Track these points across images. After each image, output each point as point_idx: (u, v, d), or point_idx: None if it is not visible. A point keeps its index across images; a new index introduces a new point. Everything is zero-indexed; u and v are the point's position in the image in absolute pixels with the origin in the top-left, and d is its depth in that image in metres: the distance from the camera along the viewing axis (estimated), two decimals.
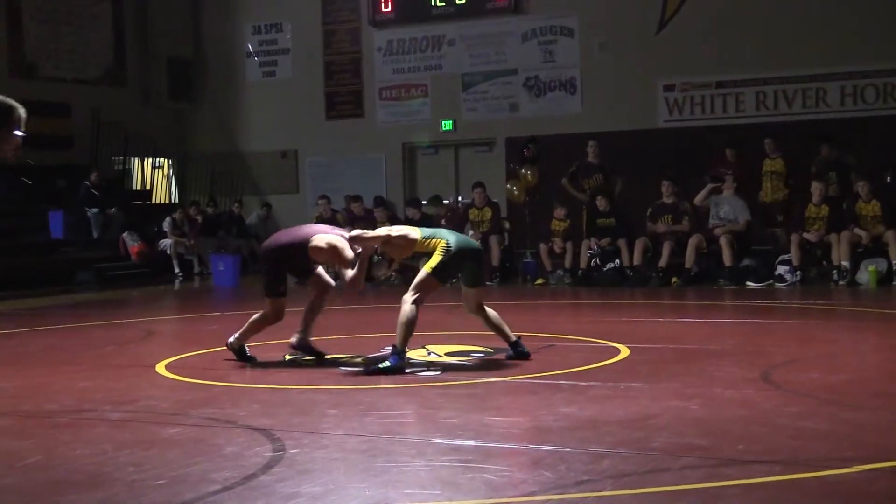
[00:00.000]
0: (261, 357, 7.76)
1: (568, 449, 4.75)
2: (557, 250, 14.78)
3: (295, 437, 5.10)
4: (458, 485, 4.23)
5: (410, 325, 6.97)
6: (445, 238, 7.28)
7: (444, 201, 17.66)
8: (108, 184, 18.42)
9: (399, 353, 6.98)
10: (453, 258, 7.15)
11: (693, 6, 16.87)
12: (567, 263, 14.67)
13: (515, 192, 16.25)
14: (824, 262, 13.48)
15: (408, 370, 7.03)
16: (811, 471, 4.32)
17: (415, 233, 7.42)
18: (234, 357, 7.66)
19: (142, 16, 20.64)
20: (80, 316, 12.11)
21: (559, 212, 14.98)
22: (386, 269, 15.29)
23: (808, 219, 13.52)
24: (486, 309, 7.45)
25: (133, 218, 18.31)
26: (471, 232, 15.32)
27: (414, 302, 7.02)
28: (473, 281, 7.40)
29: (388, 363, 6.94)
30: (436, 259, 7.12)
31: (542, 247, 14.87)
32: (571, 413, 5.58)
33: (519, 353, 7.39)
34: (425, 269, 7.14)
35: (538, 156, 16.15)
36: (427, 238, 7.29)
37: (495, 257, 15.11)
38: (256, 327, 7.71)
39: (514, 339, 7.44)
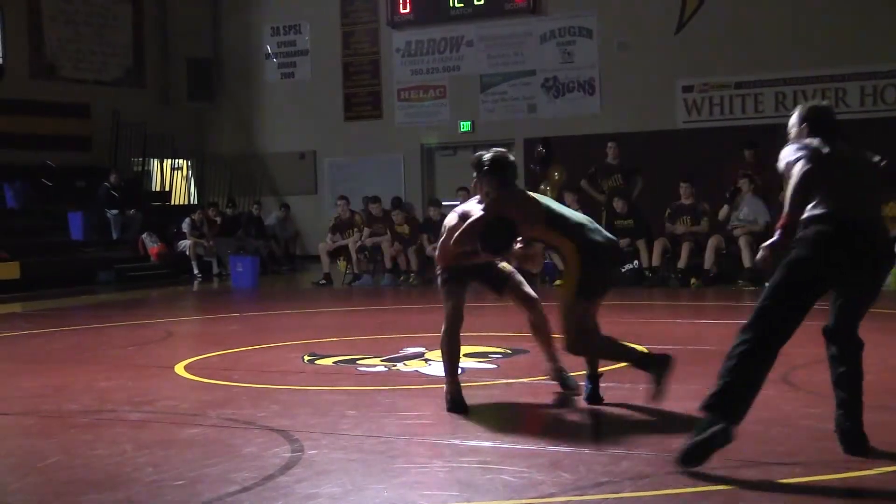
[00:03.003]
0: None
1: (587, 450, 4.74)
2: None
3: (313, 437, 5.12)
4: (477, 486, 4.23)
5: None
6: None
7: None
8: (127, 185, 18.50)
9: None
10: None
11: (712, 6, 16.81)
12: None
13: (548, 193, 16.20)
14: None
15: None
16: (832, 472, 4.30)
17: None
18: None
19: (161, 17, 20.74)
20: (100, 316, 12.16)
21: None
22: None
23: None
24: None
25: (152, 219, 18.38)
26: None
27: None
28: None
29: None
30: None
31: None
32: (590, 414, 5.56)
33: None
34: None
35: (550, 157, 16.07)
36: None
37: None
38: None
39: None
